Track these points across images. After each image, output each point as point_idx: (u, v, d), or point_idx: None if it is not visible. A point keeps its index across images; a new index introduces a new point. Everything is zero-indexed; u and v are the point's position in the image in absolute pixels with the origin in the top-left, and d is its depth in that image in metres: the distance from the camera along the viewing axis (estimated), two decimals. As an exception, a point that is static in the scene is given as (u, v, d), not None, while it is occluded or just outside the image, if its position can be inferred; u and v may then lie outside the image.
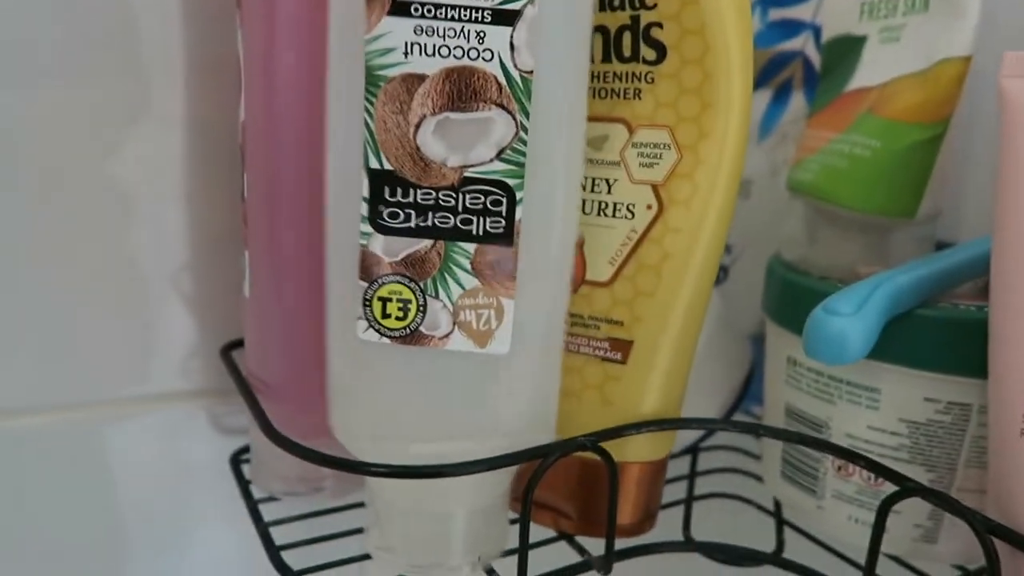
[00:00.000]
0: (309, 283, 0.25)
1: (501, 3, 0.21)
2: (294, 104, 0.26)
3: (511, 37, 0.21)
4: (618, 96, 0.26)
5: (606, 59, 0.26)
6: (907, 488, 0.23)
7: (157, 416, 0.35)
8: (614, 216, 0.26)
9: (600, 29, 0.26)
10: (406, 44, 0.22)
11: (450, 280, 0.23)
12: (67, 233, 0.33)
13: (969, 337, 0.25)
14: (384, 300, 0.23)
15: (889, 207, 0.27)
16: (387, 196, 0.23)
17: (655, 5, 0.24)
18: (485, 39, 0.22)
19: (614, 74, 0.26)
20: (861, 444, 0.28)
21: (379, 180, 0.23)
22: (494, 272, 0.23)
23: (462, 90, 0.22)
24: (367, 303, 0.23)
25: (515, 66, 0.22)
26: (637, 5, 0.25)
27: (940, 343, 0.26)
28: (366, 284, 0.23)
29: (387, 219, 0.23)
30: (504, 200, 0.23)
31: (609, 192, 0.26)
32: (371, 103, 0.22)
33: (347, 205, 0.23)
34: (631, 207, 0.26)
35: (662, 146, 0.25)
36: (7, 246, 0.32)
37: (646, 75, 0.25)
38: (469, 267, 0.23)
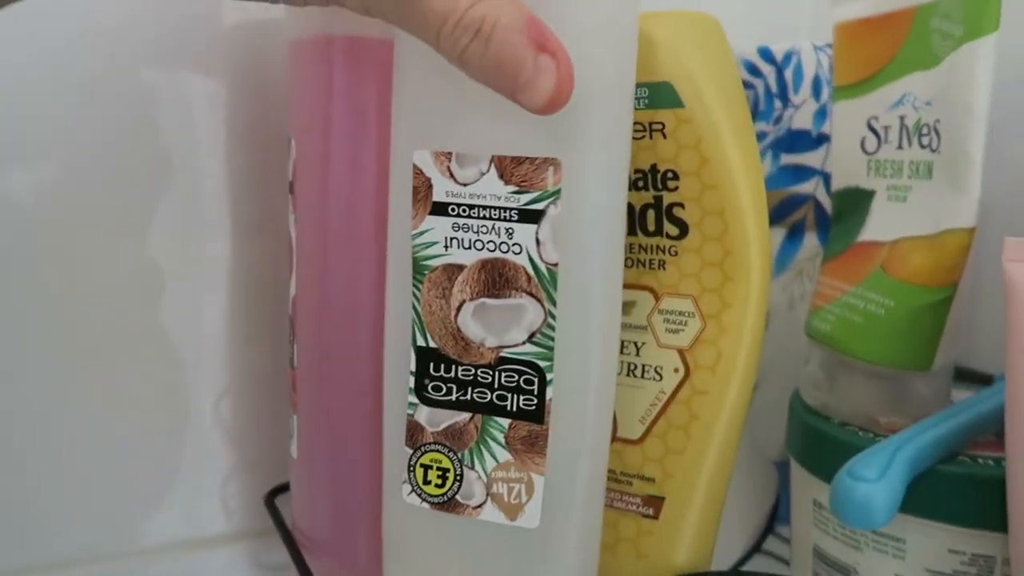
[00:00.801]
0: (354, 449, 0.27)
1: (526, 204, 0.23)
2: (344, 287, 0.28)
3: (536, 233, 0.23)
4: (644, 266, 0.28)
5: (632, 232, 0.28)
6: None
7: (200, 560, 0.36)
8: (643, 377, 0.28)
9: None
10: (446, 239, 0.24)
11: (485, 453, 0.25)
12: (111, 384, 0.34)
13: (989, 492, 0.26)
14: (426, 467, 0.25)
15: (904, 361, 0.29)
16: (431, 371, 0.25)
17: (676, 188, 0.26)
18: (514, 235, 0.23)
19: (639, 246, 0.28)
20: (890, 592, 0.28)
21: (425, 356, 0.25)
22: (526, 448, 0.24)
23: (496, 279, 0.24)
24: (411, 469, 0.25)
25: (541, 259, 0.24)
26: (660, 187, 0.27)
27: (961, 498, 0.27)
28: (411, 451, 0.25)
29: (431, 392, 0.25)
30: (536, 380, 0.24)
31: (638, 354, 0.28)
32: (418, 289, 0.24)
33: (398, 378, 0.25)
34: (659, 369, 0.27)
35: (687, 314, 0.27)
36: (52, 404, 0.33)
37: (670, 248, 0.27)
38: (503, 441, 0.24)
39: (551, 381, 0.24)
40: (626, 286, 0.28)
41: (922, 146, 0.29)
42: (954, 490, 0.27)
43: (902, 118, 0.30)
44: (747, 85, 0.39)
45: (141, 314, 0.34)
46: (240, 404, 0.37)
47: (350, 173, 0.27)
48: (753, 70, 0.39)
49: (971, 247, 0.27)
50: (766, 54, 0.38)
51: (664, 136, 0.26)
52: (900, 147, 0.30)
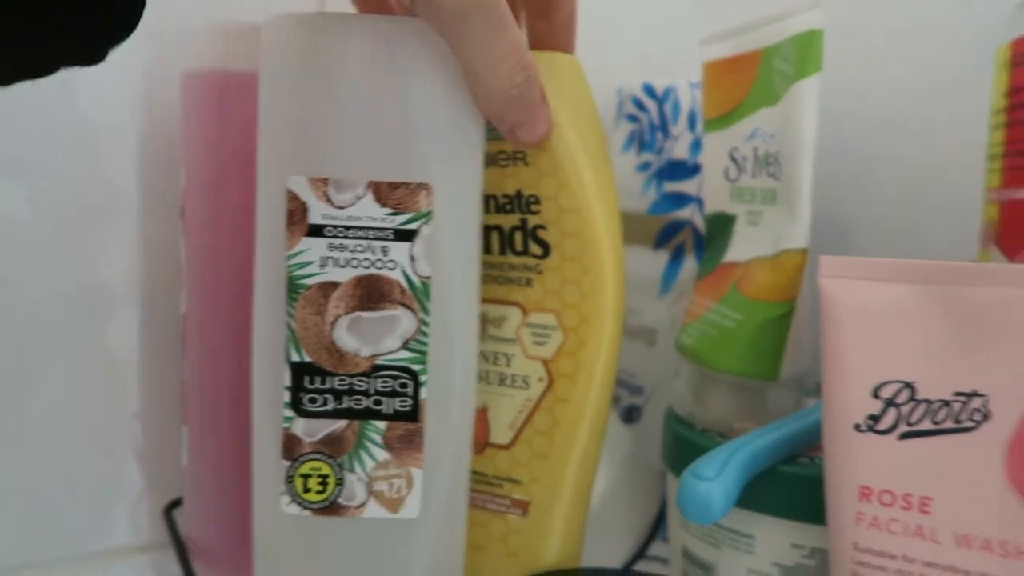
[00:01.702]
0: (240, 459, 0.28)
1: (401, 224, 0.26)
2: (230, 302, 0.29)
3: (410, 250, 0.26)
4: (513, 283, 0.30)
5: (503, 252, 0.30)
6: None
7: (107, 571, 0.37)
8: (512, 386, 0.30)
9: (496, 228, 0.30)
10: (321, 259, 0.26)
11: (364, 455, 0.26)
12: (28, 402, 0.35)
13: (823, 490, 0.29)
14: (305, 476, 0.27)
15: (753, 371, 0.31)
16: (307, 384, 0.26)
17: (539, 211, 0.29)
18: (389, 252, 0.26)
19: (509, 264, 0.30)
20: (744, 585, 0.31)
21: (299, 371, 0.26)
22: (403, 445, 0.26)
23: (371, 294, 0.26)
24: (290, 480, 0.27)
25: (415, 273, 0.26)
26: (524, 210, 0.29)
27: (799, 495, 0.29)
28: (288, 463, 0.27)
29: (307, 404, 0.26)
30: (410, 383, 0.26)
31: (508, 365, 0.30)
32: (292, 307, 0.26)
33: (271, 394, 0.27)
34: (526, 379, 0.30)
35: (550, 328, 0.29)
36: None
37: (535, 267, 0.29)
38: (381, 442, 0.26)
39: (424, 382, 0.26)
40: (497, 301, 0.30)
41: (769, 175, 0.32)
42: (792, 488, 0.29)
43: (755, 149, 0.33)
44: (634, 119, 0.42)
45: (56, 336, 0.35)
46: (151, 422, 0.38)
47: (236, 199, 0.29)
48: (639, 105, 0.42)
49: (805, 266, 0.30)
50: (649, 90, 0.41)
51: (526, 164, 0.29)
52: (754, 176, 0.33)
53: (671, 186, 0.41)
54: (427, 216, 0.26)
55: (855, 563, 0.24)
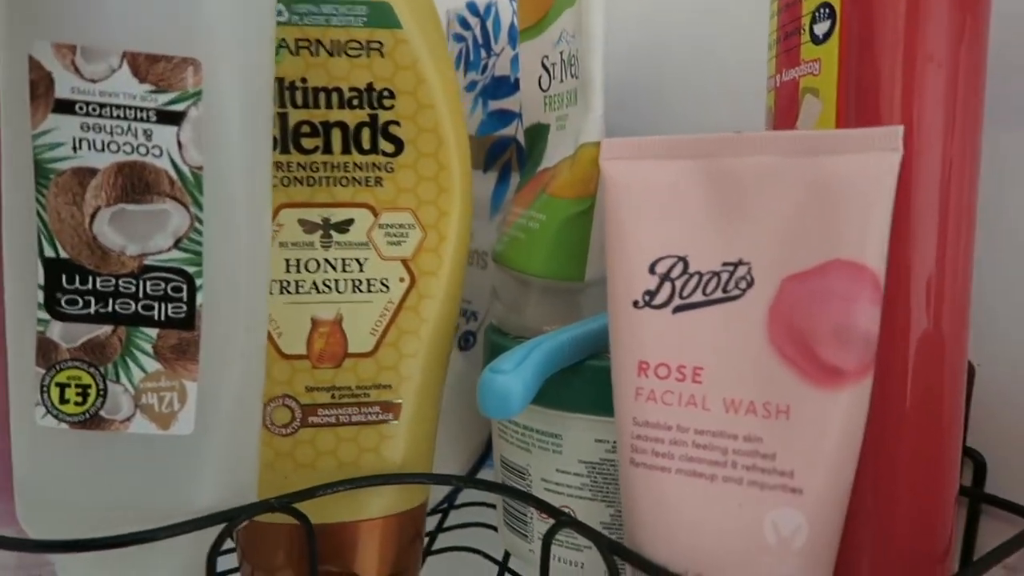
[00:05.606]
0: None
1: (165, 104, 0.24)
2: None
3: (177, 135, 0.24)
4: (359, 184, 0.29)
5: (346, 151, 0.29)
6: (560, 521, 0.26)
7: None
8: (369, 291, 0.29)
9: (339, 125, 0.29)
10: (74, 140, 0.24)
11: (132, 364, 0.24)
12: None
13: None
14: (62, 386, 0.24)
15: (558, 272, 0.31)
16: (64, 284, 0.24)
17: (392, 107, 0.28)
18: (153, 136, 0.24)
19: (354, 164, 0.29)
20: (553, 487, 0.31)
21: (55, 268, 0.24)
22: (177, 356, 0.25)
23: (135, 183, 0.24)
24: (45, 389, 0.24)
25: (184, 161, 0.24)
26: (375, 105, 0.28)
27: (600, 389, 0.29)
28: (43, 370, 0.24)
29: (65, 306, 0.24)
30: (184, 286, 0.24)
31: (361, 270, 0.29)
32: (43, 195, 0.24)
33: (24, 293, 0.24)
34: (385, 281, 0.29)
35: (407, 226, 0.29)
36: None
37: (386, 165, 0.29)
38: (151, 351, 0.24)
39: (201, 287, 0.24)
40: (343, 204, 0.29)
41: (572, 76, 0.32)
42: (593, 383, 0.29)
43: (561, 53, 0.33)
44: (459, 38, 0.42)
45: None
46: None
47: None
48: (464, 23, 0.41)
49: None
50: (472, 7, 0.40)
51: (382, 55, 0.28)
52: (562, 81, 0.33)
53: (496, 104, 0.40)
54: (195, 97, 0.24)
55: (634, 438, 0.24)
